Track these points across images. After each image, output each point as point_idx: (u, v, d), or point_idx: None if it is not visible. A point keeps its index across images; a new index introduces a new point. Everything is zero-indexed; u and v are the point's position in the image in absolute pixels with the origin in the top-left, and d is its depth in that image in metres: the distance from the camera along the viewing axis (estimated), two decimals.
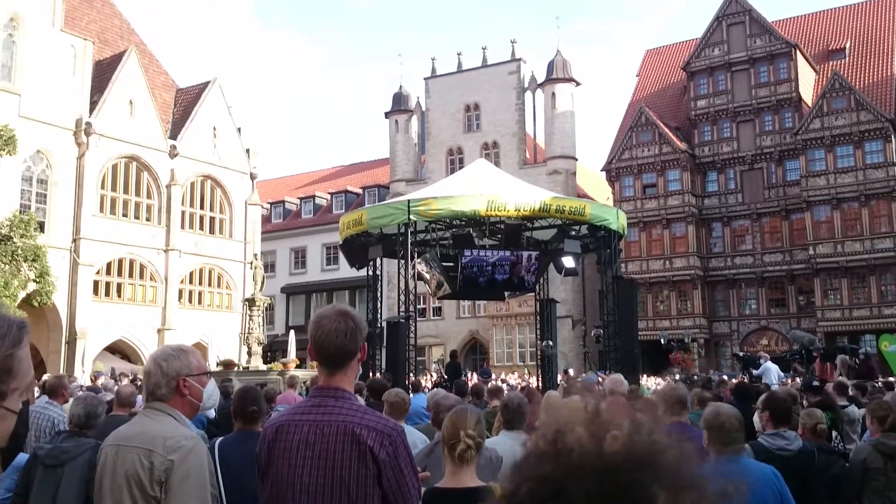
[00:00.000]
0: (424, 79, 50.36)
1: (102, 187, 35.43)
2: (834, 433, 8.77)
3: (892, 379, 18.86)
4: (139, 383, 12.22)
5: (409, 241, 18.44)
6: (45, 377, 11.97)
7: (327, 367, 2.94)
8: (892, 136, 37.34)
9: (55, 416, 6.93)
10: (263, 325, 24.63)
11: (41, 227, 32.41)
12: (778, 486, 4.28)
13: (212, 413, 12.04)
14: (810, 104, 40.16)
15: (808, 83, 42.28)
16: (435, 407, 5.27)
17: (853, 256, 37.39)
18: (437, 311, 47.37)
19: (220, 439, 4.87)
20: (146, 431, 3.03)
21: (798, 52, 41.14)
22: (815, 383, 10.74)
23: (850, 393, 10.05)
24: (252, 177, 41.88)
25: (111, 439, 3.15)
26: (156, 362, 3.15)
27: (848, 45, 43.75)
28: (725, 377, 17.90)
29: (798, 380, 18.10)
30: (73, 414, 5.09)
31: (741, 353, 30.76)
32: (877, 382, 15.59)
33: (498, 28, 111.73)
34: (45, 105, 32.78)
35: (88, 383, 19.19)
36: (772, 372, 20.06)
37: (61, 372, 30.13)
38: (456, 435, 3.61)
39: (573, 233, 20.29)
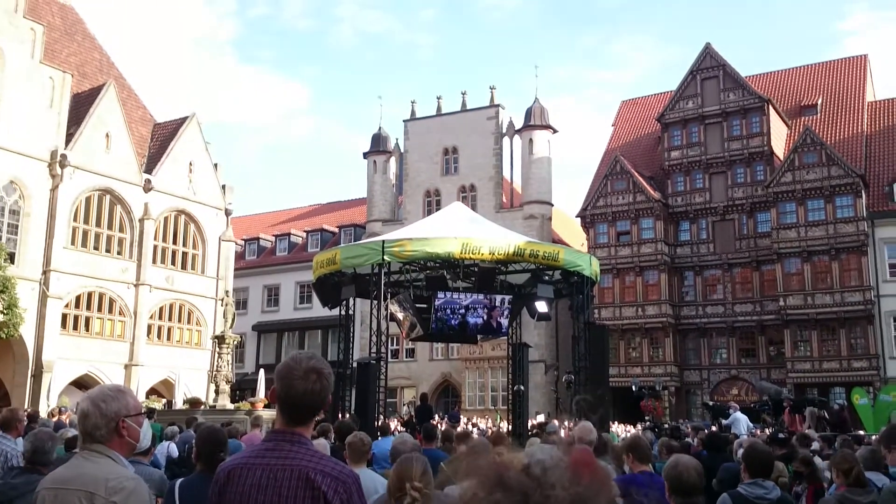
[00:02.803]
0: (404, 121, 50.76)
1: (75, 220, 35.10)
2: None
3: (861, 432, 18.96)
4: None
5: (383, 282, 18.38)
6: None
7: (288, 418, 2.90)
8: (863, 192, 38.01)
9: (8, 451, 6.77)
10: (233, 363, 24.33)
11: (11, 258, 32.00)
12: None
13: (175, 451, 11.86)
14: (782, 158, 40.85)
15: (780, 137, 43.07)
16: (393, 452, 5.21)
17: (823, 309, 37.77)
18: (410, 353, 47.16)
19: (180, 480, 4.78)
20: (85, 473, 2.95)
21: (770, 106, 41.96)
22: (782, 435, 10.77)
23: (814, 446, 10.07)
24: (227, 213, 41.71)
25: (48, 482, 3.06)
26: (94, 403, 3.07)
27: (820, 102, 44.71)
28: (692, 427, 17.90)
29: (767, 431, 18.16)
30: (24, 450, 4.98)
31: (711, 403, 30.89)
32: (847, 435, 15.66)
33: (477, 73, 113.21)
34: (20, 136, 32.58)
35: (51, 417, 18.81)
36: (741, 422, 20.10)
37: (26, 405, 29.56)
38: (401, 487, 3.52)
39: (546, 277, 20.35)
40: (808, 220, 38.67)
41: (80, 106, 35.91)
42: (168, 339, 38.59)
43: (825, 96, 45.09)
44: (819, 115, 44.02)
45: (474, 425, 26.62)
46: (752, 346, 41.05)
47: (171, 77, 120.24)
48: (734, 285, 41.54)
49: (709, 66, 43.71)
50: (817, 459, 8.25)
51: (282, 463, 2.78)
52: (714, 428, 19.03)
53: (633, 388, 34.46)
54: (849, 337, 37.72)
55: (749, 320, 40.70)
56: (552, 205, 46.91)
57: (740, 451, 6.86)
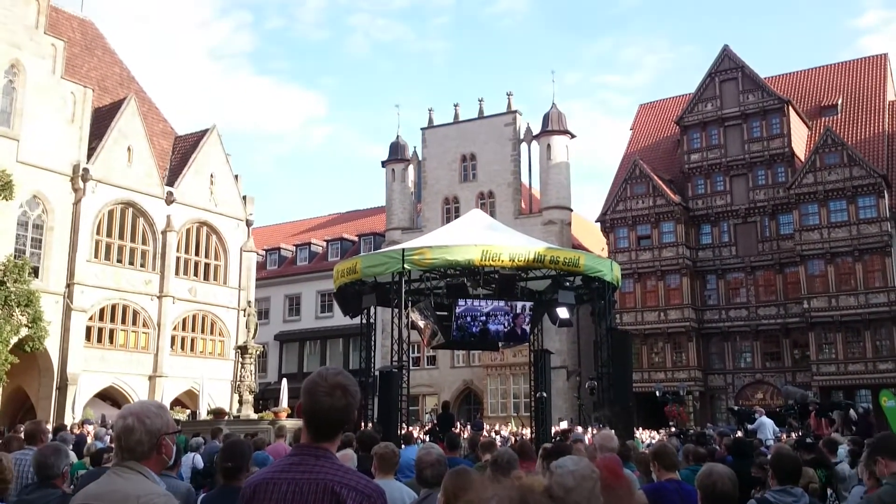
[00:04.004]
0: (421, 129, 50.86)
1: (98, 233, 35.43)
2: (829, 491, 8.65)
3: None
4: None
5: (404, 290, 18.39)
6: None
7: (314, 433, 2.89)
8: (885, 192, 37.62)
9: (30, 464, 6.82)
10: (256, 373, 24.42)
11: (35, 271, 32.34)
12: None
13: (200, 463, 11.91)
14: (803, 159, 40.53)
15: (800, 138, 42.74)
16: (418, 462, 5.19)
17: (848, 311, 37.38)
18: (432, 360, 47.12)
19: (202, 496, 4.80)
20: (117, 490, 2.96)
21: (790, 107, 41.66)
22: (809, 440, 10.64)
23: (841, 451, 9.93)
24: (248, 223, 41.95)
25: (80, 498, 3.08)
26: (139, 419, 3.08)
27: (840, 102, 44.34)
28: (718, 433, 17.73)
29: (793, 435, 17.98)
30: (31, 465, 5.02)
31: (736, 407, 30.62)
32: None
33: (493, 80, 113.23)
34: (43, 150, 32.96)
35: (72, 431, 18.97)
36: (767, 427, 19.91)
37: (51, 418, 29.84)
38: (458, 499, 3.47)
39: (567, 283, 20.26)
40: (831, 221, 38.31)
41: (102, 120, 36.28)
42: (192, 349, 38.82)
43: (845, 96, 44.71)
44: (840, 115, 43.65)
45: (496, 433, 26.53)
46: (776, 350, 40.68)
47: (190, 90, 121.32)
48: (757, 288, 41.21)
49: (727, 68, 43.48)
50: (844, 467, 8.14)
51: (307, 477, 2.78)
52: (739, 433, 18.85)
53: (657, 393, 34.27)
54: (874, 338, 37.30)
55: (773, 323, 40.35)
56: (571, 210, 46.78)
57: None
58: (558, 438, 18.19)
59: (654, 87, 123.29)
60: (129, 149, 36.43)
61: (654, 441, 18.93)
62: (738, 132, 42.58)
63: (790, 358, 40.07)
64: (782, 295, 40.32)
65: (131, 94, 37.89)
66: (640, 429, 27.71)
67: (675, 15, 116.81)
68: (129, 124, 36.59)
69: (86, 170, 34.35)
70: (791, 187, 39.20)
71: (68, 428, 19.65)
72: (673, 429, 26.42)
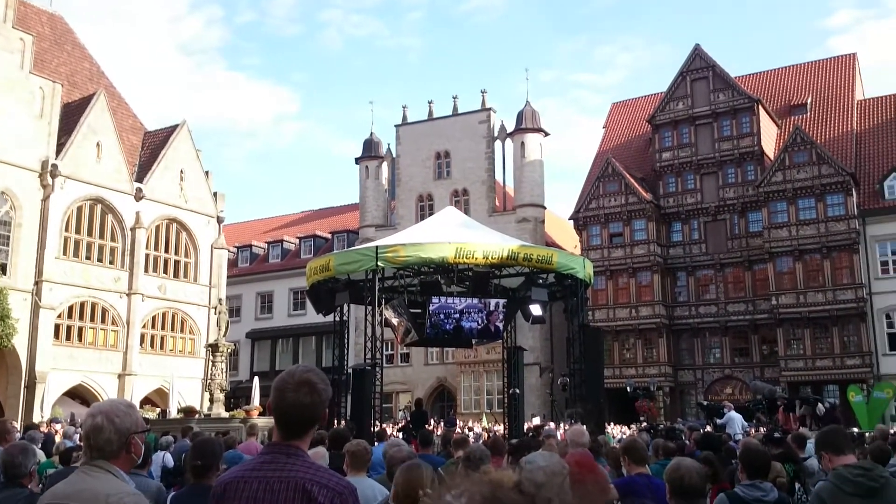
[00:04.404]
0: (395, 126, 50.79)
1: (66, 229, 35.00)
2: (797, 485, 8.78)
3: (855, 430, 19.01)
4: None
5: (377, 288, 18.39)
6: None
7: (283, 431, 2.90)
8: (853, 190, 38.16)
9: None
10: (227, 371, 24.28)
11: (3, 269, 31.93)
12: None
13: (170, 462, 11.82)
14: (772, 157, 41.00)
15: (770, 137, 43.23)
16: (389, 460, 5.21)
17: (815, 307, 37.89)
18: (405, 358, 47.11)
19: (172, 494, 4.77)
20: (86, 489, 2.94)
21: (760, 106, 42.11)
22: (777, 435, 10.78)
23: (809, 446, 10.07)
24: (219, 220, 41.64)
25: (48, 497, 3.05)
26: (108, 418, 3.06)
27: (809, 101, 44.91)
28: (687, 428, 17.91)
29: (762, 430, 18.21)
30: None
31: (705, 402, 30.90)
32: None
33: (468, 77, 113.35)
34: (11, 147, 32.49)
35: (45, 429, 18.74)
36: (736, 421, 20.15)
37: (20, 416, 29.45)
38: (413, 494, 3.50)
39: (540, 281, 20.37)
40: (800, 218, 38.79)
41: (71, 115, 35.83)
42: (161, 348, 38.48)
43: (814, 95, 45.28)
44: (809, 114, 44.20)
45: (469, 429, 26.60)
46: (745, 346, 41.15)
47: (160, 86, 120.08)
48: (727, 285, 41.64)
49: (698, 67, 43.86)
50: (812, 462, 8.26)
51: (278, 475, 2.78)
52: (708, 428, 19.06)
53: (628, 389, 34.50)
54: (842, 335, 37.84)
55: (742, 320, 40.81)
56: (545, 208, 46.98)
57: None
58: (531, 434, 18.29)
59: (628, 85, 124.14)
60: (98, 144, 36.01)
61: (624, 436, 19.07)
62: (709, 131, 42.97)
63: (759, 354, 40.55)
64: (751, 292, 40.77)
65: (101, 90, 37.44)
66: (611, 424, 27.91)
67: (649, 14, 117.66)
68: (98, 120, 36.16)
69: (54, 166, 33.91)
70: (760, 185, 39.64)
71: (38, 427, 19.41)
72: (643, 424, 26.64)
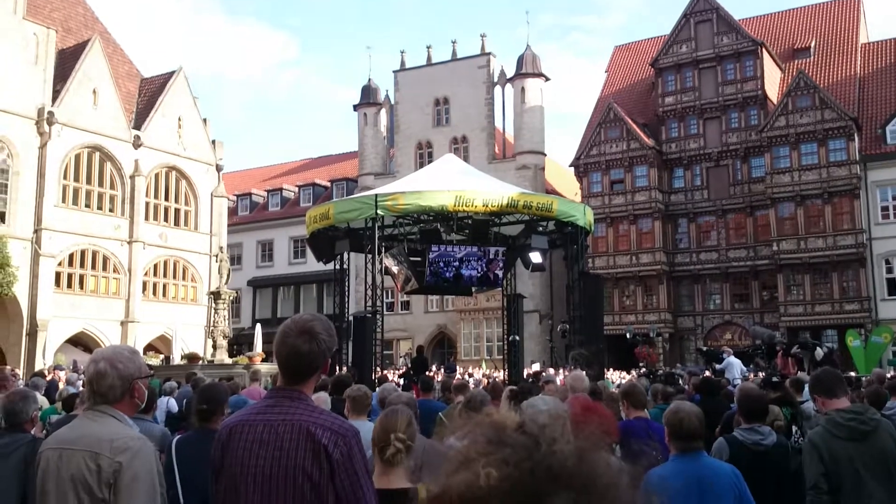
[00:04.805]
0: (394, 72, 50.23)
1: (65, 177, 34.88)
2: (794, 428, 8.87)
3: (852, 374, 19.20)
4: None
5: (377, 236, 18.39)
6: None
7: (286, 377, 2.95)
8: (855, 135, 37.93)
9: None
10: (229, 319, 24.42)
11: (2, 217, 31.89)
12: (737, 484, 4.29)
13: (174, 407, 11.96)
14: (776, 102, 40.65)
15: (773, 81, 42.80)
16: (389, 404, 5.26)
17: (816, 253, 37.94)
18: (405, 306, 47.35)
19: (176, 438, 4.82)
20: (90, 434, 2.97)
21: (764, 50, 41.61)
22: (776, 379, 10.86)
23: (807, 389, 10.16)
24: (218, 168, 41.50)
25: (52, 442, 3.09)
26: (111, 364, 3.08)
27: (813, 44, 44.36)
28: (687, 372, 18.09)
29: (760, 374, 18.37)
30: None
31: (705, 348, 31.17)
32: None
33: (468, 22, 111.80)
34: (6, 94, 32.19)
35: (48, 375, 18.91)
36: (735, 367, 20.33)
37: (22, 364, 29.73)
38: (385, 438, 3.60)
39: (540, 228, 20.36)
40: (802, 164, 38.61)
41: (66, 62, 35.42)
42: (164, 295, 38.67)
43: (818, 39, 44.71)
44: (812, 58, 43.70)
45: (470, 375, 26.86)
46: (745, 292, 41.31)
47: (155, 31, 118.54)
48: (728, 231, 41.63)
49: (702, 10, 43.21)
50: (809, 405, 8.34)
51: (282, 418, 2.82)
52: (708, 373, 19.23)
53: (627, 335, 34.78)
54: (841, 280, 37.97)
55: (742, 266, 40.90)
56: (545, 155, 46.72)
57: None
58: (530, 380, 18.46)
59: (631, 28, 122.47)
60: (94, 91, 35.68)
61: (624, 382, 19.26)
62: (713, 75, 42.52)
63: (759, 299, 40.73)
64: (752, 238, 40.79)
65: (95, 36, 36.96)
66: (611, 370, 28.17)
67: None
68: (94, 66, 35.77)
69: (51, 113, 33.65)
70: (763, 130, 39.37)
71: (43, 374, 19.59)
72: (643, 370, 26.89)
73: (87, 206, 35.79)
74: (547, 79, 46.80)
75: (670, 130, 43.35)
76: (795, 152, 38.75)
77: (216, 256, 29.14)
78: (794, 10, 48.01)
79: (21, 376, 20.99)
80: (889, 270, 37.57)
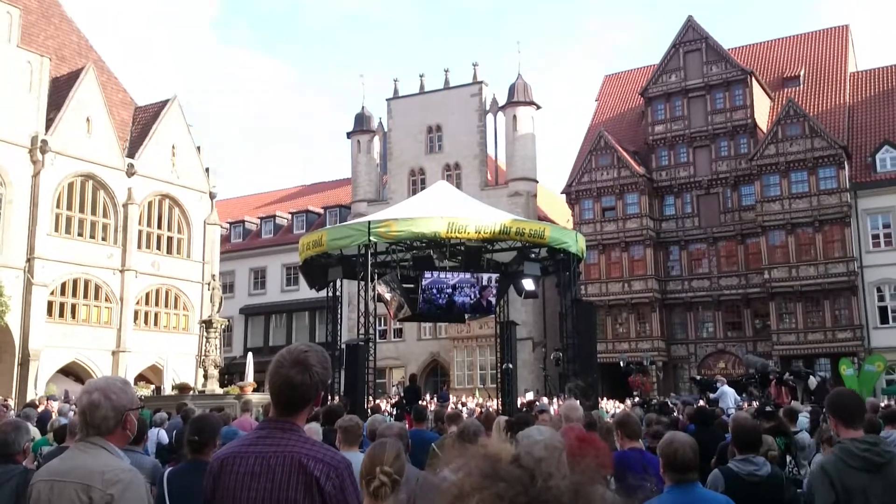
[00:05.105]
0: (387, 100, 50.50)
1: (58, 206, 34.81)
2: (788, 458, 8.84)
3: None
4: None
5: (370, 263, 18.37)
6: None
7: (278, 408, 2.93)
8: (845, 163, 38.18)
9: None
10: (221, 347, 24.28)
11: None
12: None
13: (164, 438, 11.85)
14: (765, 130, 40.93)
15: (763, 110, 43.13)
16: (380, 436, 5.23)
17: (807, 281, 38.01)
18: (398, 333, 47.20)
19: (168, 469, 4.78)
20: (81, 466, 2.95)
21: (753, 79, 41.98)
22: (769, 408, 10.84)
23: (801, 420, 10.13)
24: (211, 196, 41.48)
25: (43, 474, 3.07)
26: (105, 395, 3.07)
27: (802, 73, 44.78)
28: (681, 402, 18.03)
29: (754, 404, 18.33)
30: None
31: (698, 377, 31.11)
32: None
33: (460, 51, 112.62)
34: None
35: (40, 405, 18.75)
36: (728, 396, 20.28)
37: (13, 394, 29.46)
38: (371, 471, 3.56)
39: (533, 255, 20.40)
40: (792, 192, 38.81)
41: (60, 90, 35.50)
42: (155, 324, 38.47)
43: (807, 67, 45.15)
44: (802, 86, 44.09)
45: (463, 404, 26.72)
46: (737, 320, 41.31)
47: (150, 60, 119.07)
48: (719, 259, 41.72)
49: (691, 39, 43.64)
50: (804, 436, 8.32)
51: (274, 450, 2.80)
52: (701, 402, 19.18)
53: (621, 363, 34.69)
54: (833, 308, 38.00)
55: (734, 293, 40.94)
56: (537, 181, 46.92)
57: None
58: (524, 409, 18.38)
59: (621, 57, 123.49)
60: (88, 119, 35.74)
61: (618, 411, 19.19)
62: (702, 103, 42.85)
63: (751, 328, 40.72)
64: (744, 265, 40.87)
65: (90, 64, 37.08)
66: (605, 399, 28.07)
67: None
68: (87, 94, 35.85)
69: (44, 141, 33.66)
70: (753, 158, 39.61)
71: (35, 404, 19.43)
72: (637, 398, 26.79)
73: (80, 234, 35.70)
74: (538, 107, 47.12)
75: (660, 158, 43.58)
76: (785, 180, 38.97)
77: (208, 284, 29.04)
78: (783, 40, 48.54)
79: (12, 406, 20.78)
80: (881, 299, 37.64)
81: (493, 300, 20.59)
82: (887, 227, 37.81)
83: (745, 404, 19.38)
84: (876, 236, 37.96)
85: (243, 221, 55.64)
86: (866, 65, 48.00)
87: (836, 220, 38.03)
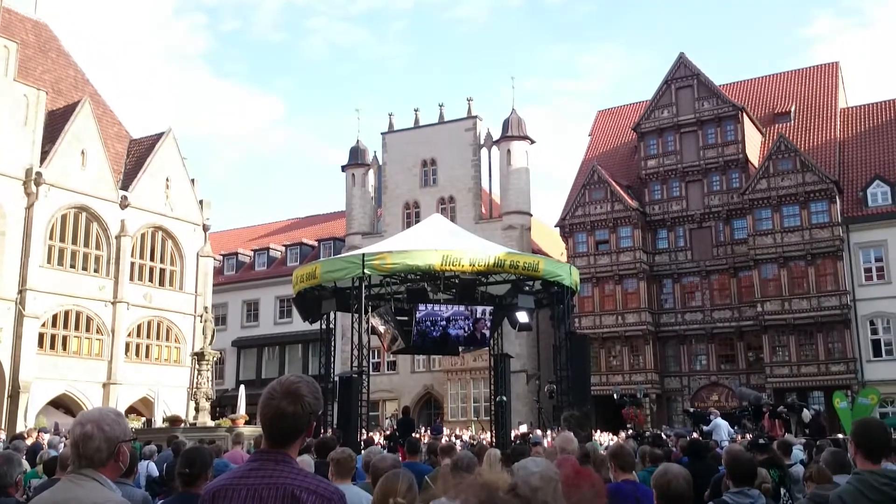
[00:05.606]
0: (382, 133, 50.79)
1: (51, 238, 34.79)
2: (782, 491, 8.80)
3: (840, 436, 19.12)
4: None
5: (364, 295, 18.38)
6: None
7: (269, 440, 2.90)
8: (836, 197, 38.45)
9: None
10: (213, 380, 24.17)
11: None
12: None
13: (154, 471, 11.76)
14: (757, 165, 41.25)
15: (754, 145, 43.51)
16: (373, 470, 5.21)
17: (800, 314, 38.09)
18: (392, 366, 47.02)
19: (160, 502, 4.75)
20: (73, 498, 2.93)
21: (745, 114, 42.39)
22: (763, 441, 10.80)
23: (795, 452, 10.10)
24: (205, 228, 41.49)
25: None
26: (98, 427, 3.05)
27: (793, 109, 45.25)
28: (674, 434, 17.97)
29: (748, 436, 18.27)
30: None
31: (692, 409, 30.99)
32: (828, 439, 15.79)
33: (454, 85, 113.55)
34: None
35: (30, 437, 18.57)
36: (722, 428, 20.23)
37: (3, 426, 29.17)
38: (384, 502, 3.54)
39: (527, 288, 20.42)
40: (784, 226, 39.03)
41: (55, 123, 35.65)
42: (147, 356, 38.26)
43: (798, 104, 45.64)
44: (792, 122, 44.53)
45: (457, 437, 26.57)
46: (731, 353, 41.30)
47: (145, 93, 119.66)
48: (712, 292, 41.81)
49: (683, 76, 44.11)
50: (798, 468, 8.30)
51: (266, 482, 2.78)
52: (695, 434, 19.11)
53: (615, 396, 34.56)
54: (826, 341, 38.04)
55: (728, 326, 40.97)
56: (531, 215, 47.09)
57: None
58: (518, 442, 18.29)
59: (614, 92, 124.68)
60: (83, 152, 35.85)
61: (612, 443, 19.14)
62: (694, 139, 43.20)
63: (744, 360, 40.71)
64: (736, 298, 40.96)
65: (85, 97, 37.29)
66: (598, 431, 27.95)
67: (632, 22, 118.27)
68: (83, 127, 36.01)
69: (39, 174, 33.72)
70: (745, 193, 39.87)
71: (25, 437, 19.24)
72: (630, 431, 26.69)
73: (73, 266, 35.63)
74: (532, 141, 47.45)
75: (653, 193, 43.83)
76: (777, 214, 39.21)
77: (201, 317, 28.98)
78: (773, 76, 49.11)
79: (3, 438, 20.60)
80: (874, 332, 37.70)
81: (487, 333, 20.58)
82: (879, 261, 37.99)
83: (739, 437, 19.32)
84: (868, 270, 38.13)
85: (237, 253, 55.60)
86: (857, 101, 48.64)
87: (828, 254, 38.21)
